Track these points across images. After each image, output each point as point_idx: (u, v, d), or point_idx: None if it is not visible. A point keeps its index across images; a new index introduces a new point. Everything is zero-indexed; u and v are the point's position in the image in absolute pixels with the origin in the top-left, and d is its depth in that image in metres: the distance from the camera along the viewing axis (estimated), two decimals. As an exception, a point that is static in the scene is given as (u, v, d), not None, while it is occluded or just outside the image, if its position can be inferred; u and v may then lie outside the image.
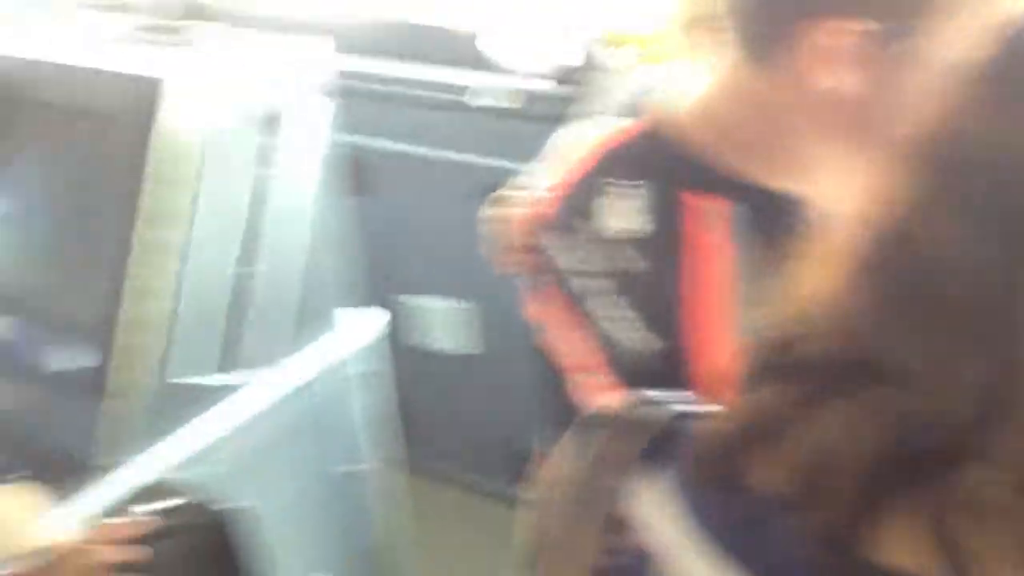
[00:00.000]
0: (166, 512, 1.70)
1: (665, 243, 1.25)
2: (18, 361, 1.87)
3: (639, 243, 1.27)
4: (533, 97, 2.26)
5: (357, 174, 2.58)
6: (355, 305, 2.16)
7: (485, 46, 2.18)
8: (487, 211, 1.53)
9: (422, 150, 2.56)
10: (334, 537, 2.20)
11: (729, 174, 1.24)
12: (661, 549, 0.89)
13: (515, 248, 1.46)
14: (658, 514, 0.90)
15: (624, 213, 1.28)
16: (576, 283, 1.33)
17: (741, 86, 1.18)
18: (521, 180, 1.53)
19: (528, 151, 2.29)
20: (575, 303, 1.35)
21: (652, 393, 0.98)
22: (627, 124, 1.35)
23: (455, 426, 2.86)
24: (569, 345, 1.38)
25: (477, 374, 2.77)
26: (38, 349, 1.84)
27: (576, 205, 1.35)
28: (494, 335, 2.71)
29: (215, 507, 1.81)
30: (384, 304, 2.26)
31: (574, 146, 1.40)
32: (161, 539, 1.53)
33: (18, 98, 1.89)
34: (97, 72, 1.80)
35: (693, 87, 1.29)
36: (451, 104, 2.42)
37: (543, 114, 2.29)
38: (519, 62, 2.05)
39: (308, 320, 2.05)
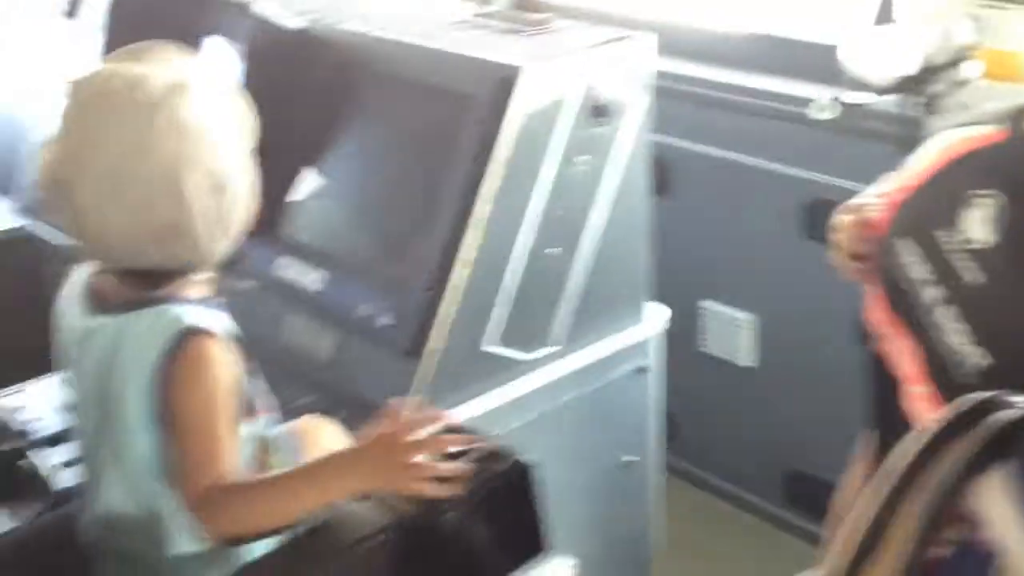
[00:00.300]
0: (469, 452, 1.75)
1: (1013, 255, 1.24)
2: (336, 312, 2.01)
3: (982, 254, 1.26)
4: (865, 113, 2.26)
5: (672, 175, 2.66)
6: (648, 300, 2.22)
7: (838, 57, 2.20)
8: (833, 219, 1.56)
9: (744, 158, 2.60)
10: (594, 517, 2.27)
11: None
12: (1006, 545, 0.91)
13: (855, 255, 1.49)
14: (1003, 511, 0.92)
15: (970, 221, 1.28)
16: (911, 290, 1.35)
17: None
18: (864, 192, 1.56)
19: (853, 167, 2.31)
20: (908, 310, 1.36)
21: (994, 394, 1.01)
22: (977, 133, 1.35)
23: (725, 435, 2.88)
24: (900, 354, 1.39)
25: (754, 387, 2.78)
26: (358, 303, 1.98)
27: (920, 209, 1.36)
28: (777, 351, 2.73)
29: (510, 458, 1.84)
30: (675, 304, 2.31)
31: (921, 154, 1.41)
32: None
33: (371, 74, 2.04)
34: (458, 56, 1.93)
35: None
36: (783, 115, 2.45)
37: (873, 130, 2.30)
38: (866, 74, 2.06)
39: (607, 307, 2.13)
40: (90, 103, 1.39)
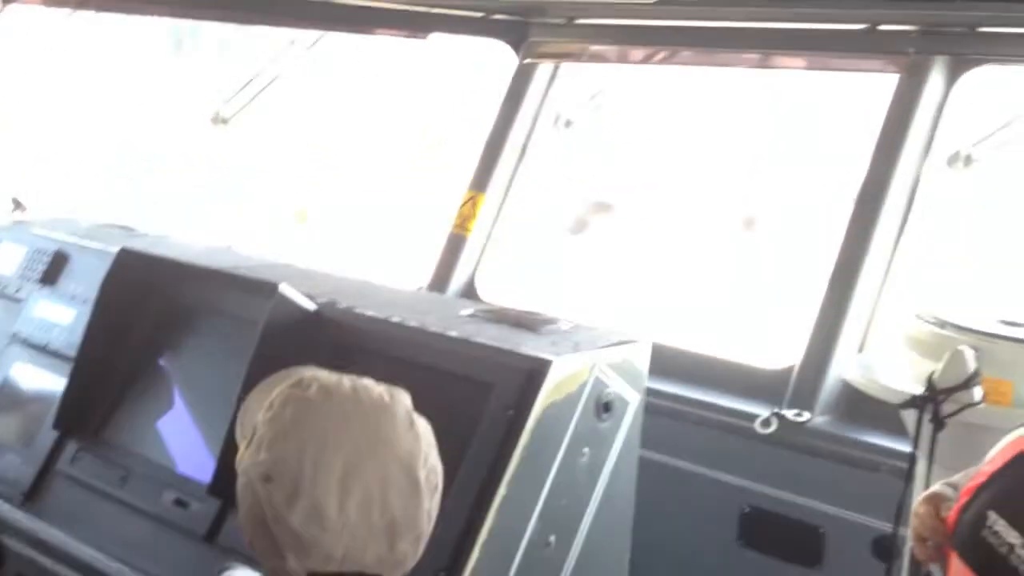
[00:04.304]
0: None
1: None
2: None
3: None
4: (802, 430, 2.48)
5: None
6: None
7: (847, 377, 2.42)
8: (914, 507, 1.70)
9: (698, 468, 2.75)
10: None
11: None
12: None
13: (922, 537, 1.63)
14: None
15: None
16: (1008, 553, 1.49)
17: None
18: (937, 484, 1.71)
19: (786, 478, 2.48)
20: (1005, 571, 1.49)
21: None
22: None
23: None
24: None
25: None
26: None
27: (1000, 489, 1.53)
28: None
29: None
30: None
31: (994, 449, 1.60)
32: None
33: (387, 357, 2.12)
34: (483, 346, 2.03)
35: None
36: (731, 427, 2.63)
37: (808, 446, 2.49)
38: (879, 392, 2.26)
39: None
40: (313, 406, 1.43)
